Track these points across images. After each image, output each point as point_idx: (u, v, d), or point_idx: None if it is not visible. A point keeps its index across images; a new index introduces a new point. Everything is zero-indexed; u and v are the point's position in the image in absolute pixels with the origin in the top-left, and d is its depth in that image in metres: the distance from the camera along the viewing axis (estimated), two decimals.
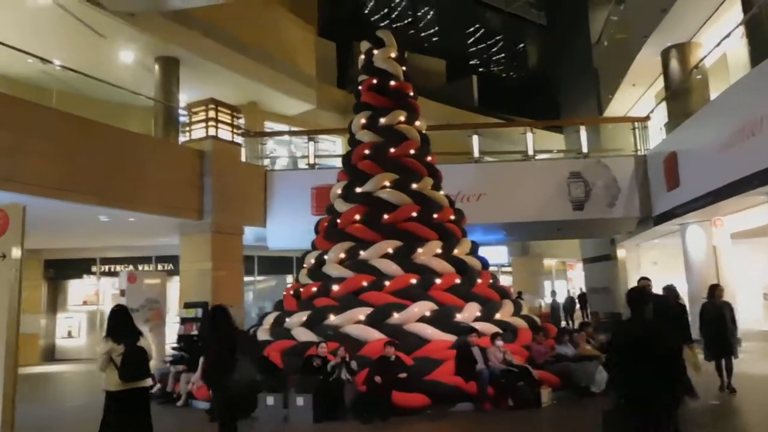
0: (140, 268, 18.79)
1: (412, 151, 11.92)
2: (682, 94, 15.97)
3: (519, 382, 8.37)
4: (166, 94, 15.80)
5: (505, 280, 31.01)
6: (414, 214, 11.17)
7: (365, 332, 9.56)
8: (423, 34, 46.73)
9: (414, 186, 11.56)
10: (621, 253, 22.06)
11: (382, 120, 12.05)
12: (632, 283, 21.65)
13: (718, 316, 8.80)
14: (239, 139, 16.16)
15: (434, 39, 45.44)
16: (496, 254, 19.72)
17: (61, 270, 19.40)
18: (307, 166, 17.20)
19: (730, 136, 11.28)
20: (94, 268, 19.48)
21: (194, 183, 14.19)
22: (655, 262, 21.34)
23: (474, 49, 47.50)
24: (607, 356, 5.24)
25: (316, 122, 21.63)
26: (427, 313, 9.85)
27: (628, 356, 4.02)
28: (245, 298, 18.14)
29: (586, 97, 25.25)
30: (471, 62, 45.63)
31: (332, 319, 9.92)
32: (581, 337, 10.10)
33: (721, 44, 13.41)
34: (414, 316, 9.79)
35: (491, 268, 29.20)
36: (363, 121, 12.22)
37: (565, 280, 33.96)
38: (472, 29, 48.39)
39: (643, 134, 17.00)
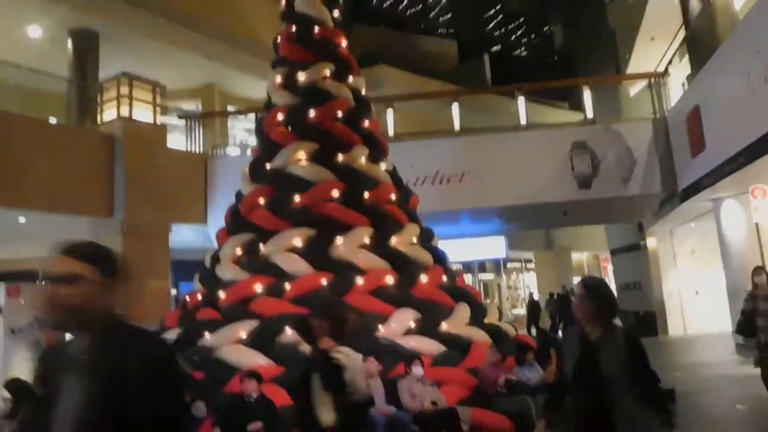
0: None
1: (339, 114, 9.13)
2: (706, 40, 12.71)
3: None
4: (82, 74, 13.38)
5: (529, 279, 27.80)
6: (335, 193, 8.38)
7: (245, 357, 6.82)
8: (440, 19, 44.10)
9: (340, 158, 8.78)
10: (651, 242, 18.64)
11: (302, 76, 9.31)
12: (666, 277, 18.43)
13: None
14: (176, 122, 13.72)
15: (447, 23, 42.66)
16: (493, 247, 16.63)
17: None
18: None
19: (763, 70, 8.15)
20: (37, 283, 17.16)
21: (101, 174, 11.73)
22: (693, 251, 17.93)
23: (489, 30, 44.50)
24: None
25: None
26: None
27: None
28: None
29: (605, 66, 21.96)
30: (485, 43, 42.61)
31: (206, 338, 7.23)
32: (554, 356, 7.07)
33: None
34: None
35: (514, 264, 26.66)
36: (279, 80, 9.51)
37: (599, 274, 30.39)
38: (491, 12, 45.47)
39: (664, 93, 13.79)
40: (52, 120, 13.10)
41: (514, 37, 46.57)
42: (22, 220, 11.21)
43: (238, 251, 8.26)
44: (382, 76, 19.36)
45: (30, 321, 10.88)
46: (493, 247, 16.59)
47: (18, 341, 10.69)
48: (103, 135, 11.89)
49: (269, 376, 6.45)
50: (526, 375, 6.58)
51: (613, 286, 23.82)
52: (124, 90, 12.11)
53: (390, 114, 13.66)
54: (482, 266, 24.58)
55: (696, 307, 17.07)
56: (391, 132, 13.69)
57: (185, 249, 13.52)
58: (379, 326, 7.17)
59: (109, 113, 12.35)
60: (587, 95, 13.81)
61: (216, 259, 8.58)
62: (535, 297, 22.24)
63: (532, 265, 27.42)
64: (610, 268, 29.25)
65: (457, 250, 15.98)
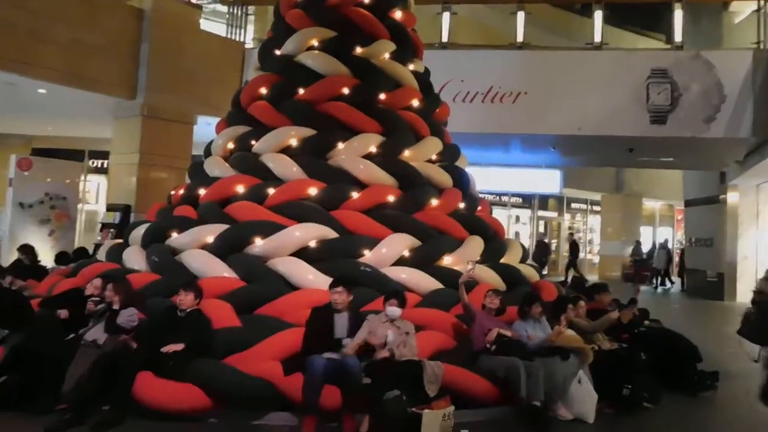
0: None
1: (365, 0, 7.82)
2: None
3: (390, 392, 4.41)
4: None
5: (593, 221, 25.96)
6: (345, 90, 7.22)
7: (207, 264, 5.98)
8: None
9: (358, 50, 7.56)
10: (733, 196, 16.54)
11: None
12: (744, 235, 16.50)
13: None
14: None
15: None
16: (546, 181, 15.02)
17: None
18: None
19: None
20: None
21: (127, 52, 10.99)
22: None
23: None
24: None
25: None
26: (312, 244, 6.09)
27: None
28: None
29: None
30: None
31: (173, 238, 6.43)
32: (569, 314, 5.77)
33: None
34: (288, 245, 6.04)
35: (580, 205, 24.82)
36: None
37: (672, 227, 28.15)
38: None
39: None
40: None
41: None
42: (42, 91, 10.67)
43: (230, 145, 7.34)
44: None
45: (40, 197, 10.55)
46: (546, 181, 14.99)
47: (27, 216, 10.39)
48: (132, 8, 11.09)
49: (225, 290, 5.60)
50: (528, 332, 5.41)
51: (683, 240, 22.08)
52: None
53: (446, 17, 12.13)
54: (544, 203, 23.04)
55: None
56: (444, 38, 12.21)
57: None
58: (366, 250, 6.14)
59: None
60: (678, 15, 11.77)
61: (208, 151, 7.71)
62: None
63: (598, 208, 25.57)
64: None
65: (505, 179, 14.61)
